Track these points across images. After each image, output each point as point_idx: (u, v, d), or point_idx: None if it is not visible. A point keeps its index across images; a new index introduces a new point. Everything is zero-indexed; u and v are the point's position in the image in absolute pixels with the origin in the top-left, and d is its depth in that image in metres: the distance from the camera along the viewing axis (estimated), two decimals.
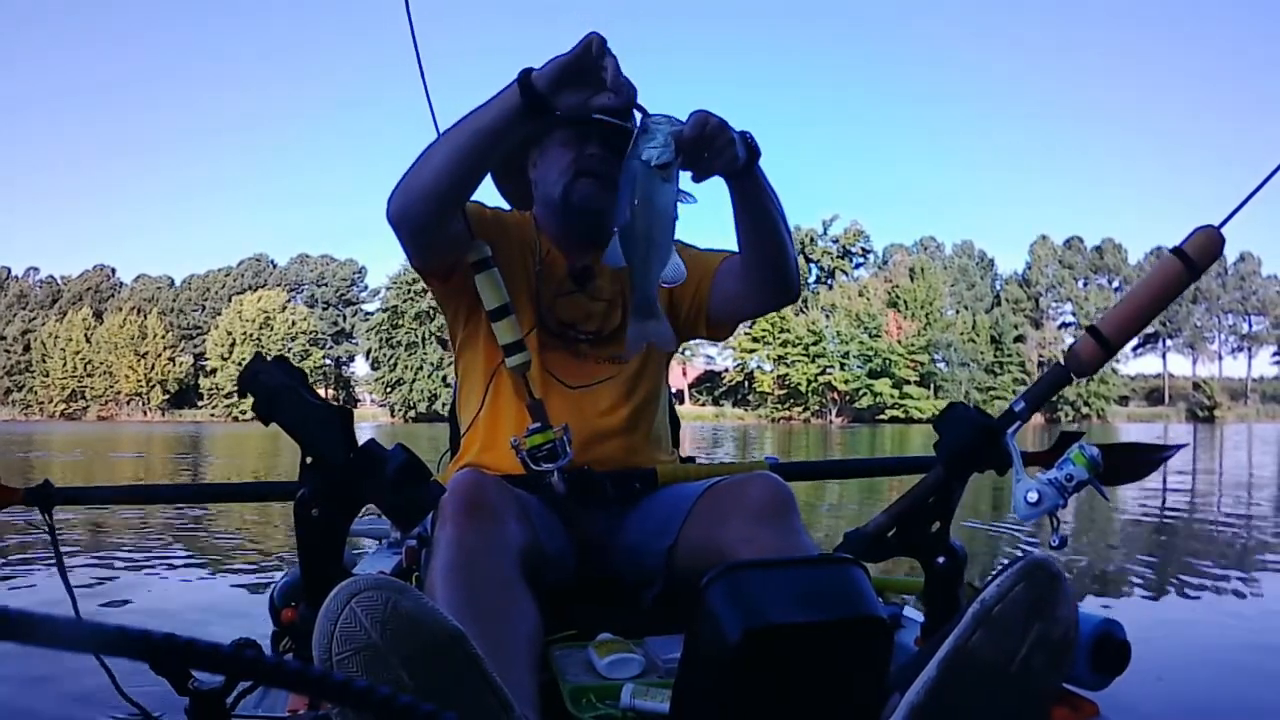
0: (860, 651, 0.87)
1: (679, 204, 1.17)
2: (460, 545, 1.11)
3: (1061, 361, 1.25)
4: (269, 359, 1.07)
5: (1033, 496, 1.14)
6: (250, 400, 1.06)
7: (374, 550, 2.36)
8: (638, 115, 1.18)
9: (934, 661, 0.88)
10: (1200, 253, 1.18)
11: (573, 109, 1.19)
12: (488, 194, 1.57)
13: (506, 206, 1.66)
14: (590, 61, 1.15)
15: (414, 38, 1.67)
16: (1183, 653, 2.43)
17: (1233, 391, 67.02)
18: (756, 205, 1.34)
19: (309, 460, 1.06)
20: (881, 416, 57.26)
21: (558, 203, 1.51)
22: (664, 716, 1.01)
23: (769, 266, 1.42)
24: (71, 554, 3.89)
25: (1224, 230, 1.19)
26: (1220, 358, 69.43)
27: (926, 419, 53.78)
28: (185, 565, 3.85)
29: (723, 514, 1.28)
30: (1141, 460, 1.41)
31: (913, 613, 1.56)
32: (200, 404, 67.47)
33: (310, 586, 1.06)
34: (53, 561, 1.52)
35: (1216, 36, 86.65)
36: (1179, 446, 1.56)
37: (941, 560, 1.26)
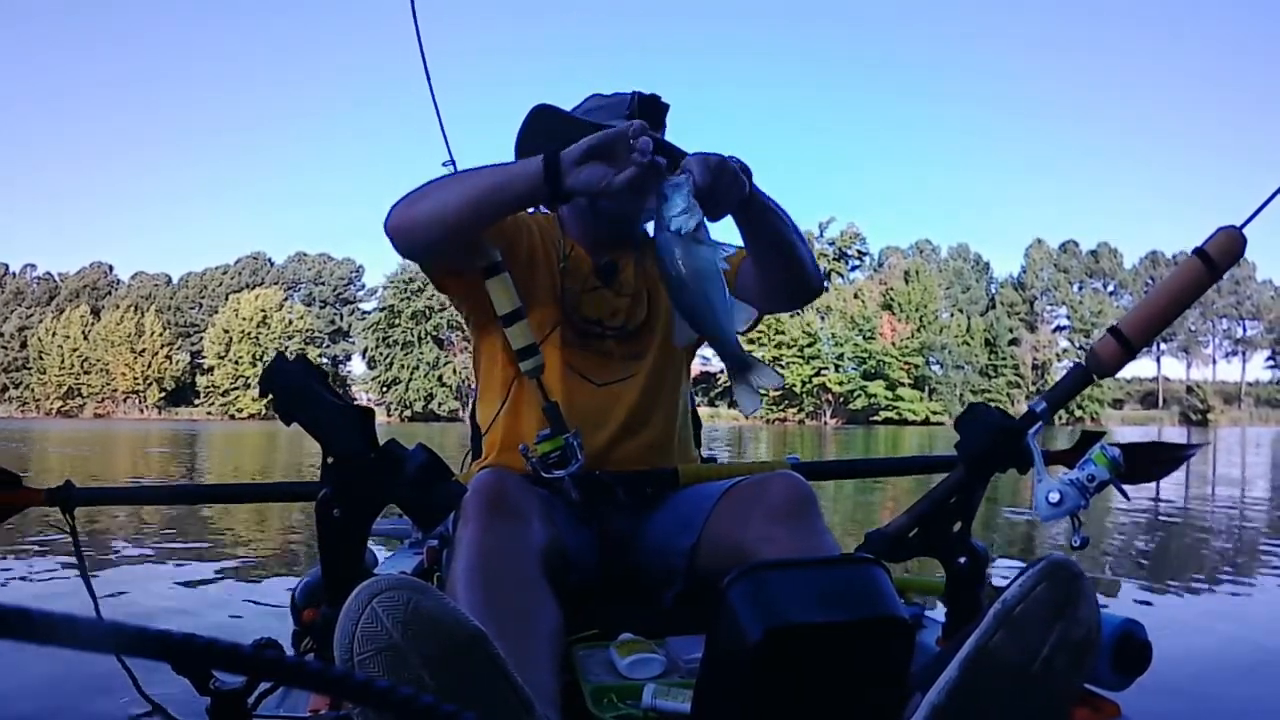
0: (881, 652, 0.86)
1: (721, 252, 1.18)
2: (482, 545, 1.11)
3: (1081, 362, 1.25)
4: (290, 358, 1.06)
5: (1054, 497, 1.14)
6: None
7: (395, 550, 2.36)
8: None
9: (955, 662, 0.88)
10: (1221, 253, 1.18)
11: (585, 186, 1.18)
12: None
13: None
14: (624, 145, 1.15)
15: (419, 40, 1.67)
16: (1204, 652, 2.43)
17: (1226, 395, 67.09)
18: (763, 224, 1.34)
19: (330, 460, 1.05)
20: (875, 418, 57.31)
21: (585, 206, 1.50)
22: (685, 716, 1.01)
23: (784, 272, 1.42)
24: (90, 553, 3.87)
25: (1245, 230, 1.19)
26: (1214, 361, 69.63)
27: (920, 421, 53.96)
28: (205, 564, 3.82)
29: (744, 513, 1.28)
30: (1162, 460, 1.41)
31: (934, 613, 1.56)
32: (197, 402, 67.16)
33: (331, 586, 1.06)
34: (73, 561, 1.51)
35: (1216, 39, 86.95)
36: (1199, 445, 1.57)
37: (963, 560, 1.26)
